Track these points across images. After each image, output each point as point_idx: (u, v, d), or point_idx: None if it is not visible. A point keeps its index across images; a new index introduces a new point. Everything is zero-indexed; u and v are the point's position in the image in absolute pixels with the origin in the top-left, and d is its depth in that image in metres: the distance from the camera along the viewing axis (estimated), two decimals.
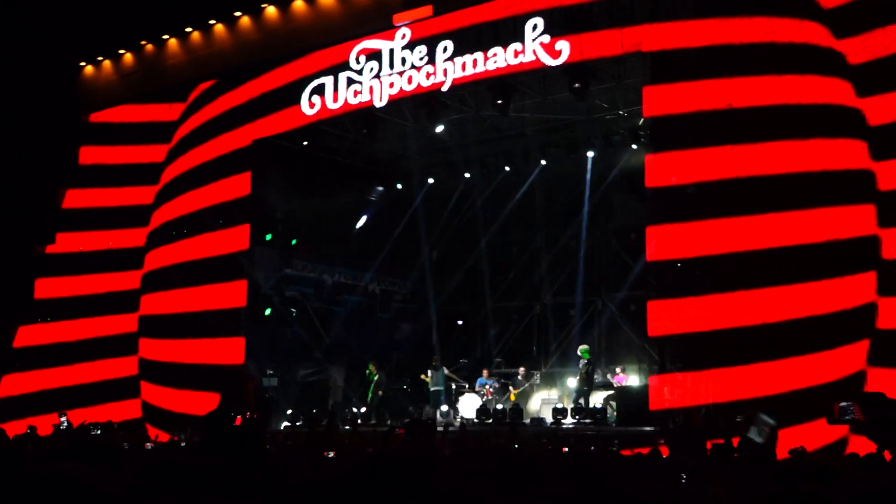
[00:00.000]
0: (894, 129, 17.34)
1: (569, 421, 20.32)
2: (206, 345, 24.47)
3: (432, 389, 23.94)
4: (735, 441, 10.81)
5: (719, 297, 17.83)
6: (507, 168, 26.30)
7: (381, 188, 27.60)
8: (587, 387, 21.76)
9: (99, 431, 16.92)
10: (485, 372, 24.32)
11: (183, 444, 17.40)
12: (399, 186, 28.08)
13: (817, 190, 17.49)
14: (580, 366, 21.95)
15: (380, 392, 24.50)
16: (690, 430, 13.46)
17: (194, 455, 6.78)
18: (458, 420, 22.27)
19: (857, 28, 18.01)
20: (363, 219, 27.70)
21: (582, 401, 21.38)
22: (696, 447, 12.05)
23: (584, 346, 22.09)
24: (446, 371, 24.51)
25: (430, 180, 27.67)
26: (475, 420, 22.01)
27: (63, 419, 21.93)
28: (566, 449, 13.06)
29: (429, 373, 24.23)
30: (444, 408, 23.39)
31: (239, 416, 6.26)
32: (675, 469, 5.05)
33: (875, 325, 17.00)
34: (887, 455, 9.65)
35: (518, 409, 21.91)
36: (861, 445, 9.99)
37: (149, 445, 15.47)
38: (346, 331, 26.65)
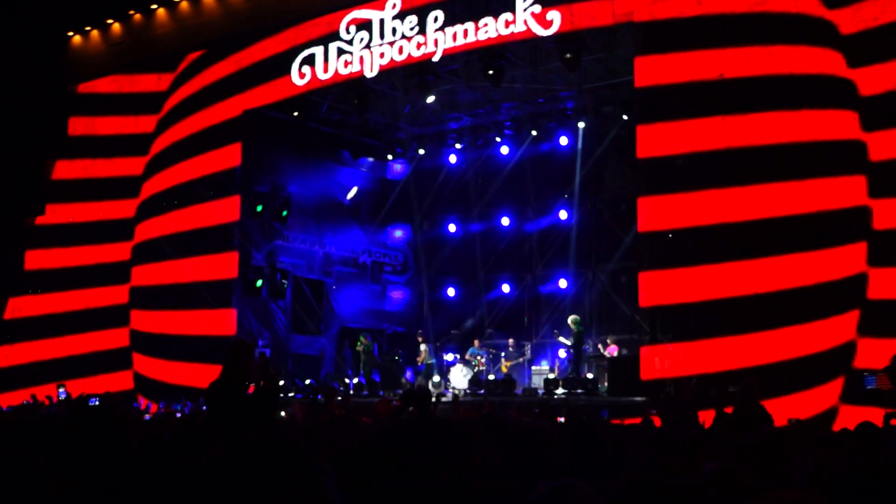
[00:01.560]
0: (885, 99, 17.08)
1: (561, 391, 20.29)
2: (198, 316, 24.50)
3: (427, 363, 24.08)
4: (729, 410, 10.72)
5: (710, 268, 17.79)
6: (498, 139, 26.32)
7: (370, 159, 27.54)
8: (577, 357, 21.82)
9: (97, 402, 16.94)
10: (476, 342, 24.40)
11: (178, 415, 17.39)
12: (390, 158, 28.13)
13: (808, 160, 17.38)
14: (570, 337, 22.01)
15: (371, 362, 24.63)
16: (682, 401, 13.39)
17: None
18: (451, 391, 22.20)
19: None
20: (354, 190, 27.63)
21: (572, 371, 21.42)
22: (688, 418, 11.99)
23: (574, 317, 22.08)
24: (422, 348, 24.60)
25: (421, 151, 27.63)
26: (467, 391, 22.02)
27: (62, 390, 22.05)
28: (562, 419, 13.37)
29: (422, 347, 24.33)
30: (436, 378, 23.55)
31: (252, 385, 6.22)
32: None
33: (865, 295, 16.91)
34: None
35: (510, 380, 21.90)
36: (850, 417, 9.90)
37: (147, 417, 15.44)
38: (338, 302, 26.82)
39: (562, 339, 22.61)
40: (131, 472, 3.41)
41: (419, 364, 24.37)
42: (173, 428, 8.82)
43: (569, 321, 22.10)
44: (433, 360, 24.11)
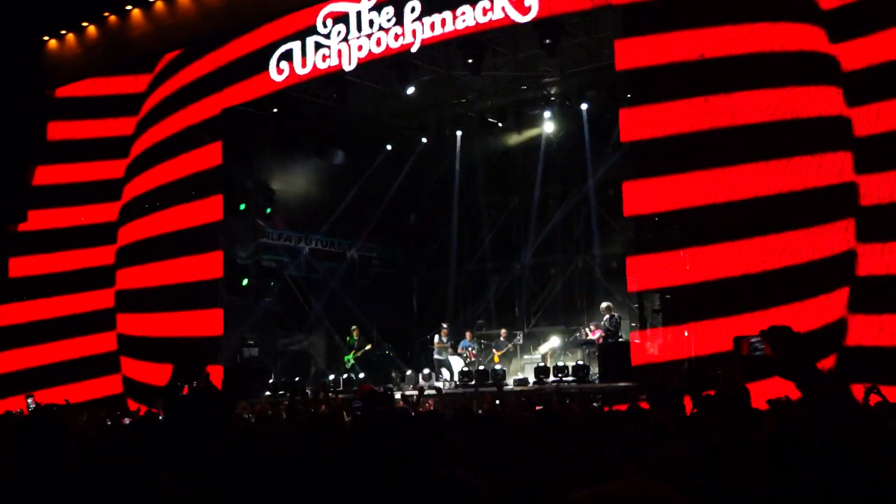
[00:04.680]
0: (868, 73, 17.00)
1: (551, 379, 20.28)
2: (185, 317, 24.26)
3: (436, 358, 23.84)
4: (711, 393, 10.78)
5: (698, 250, 17.73)
6: (483, 128, 26.08)
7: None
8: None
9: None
10: (467, 334, 24.16)
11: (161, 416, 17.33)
12: (373, 150, 27.79)
13: (793, 138, 17.29)
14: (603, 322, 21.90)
15: (362, 357, 24.47)
16: (666, 385, 13.55)
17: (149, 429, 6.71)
18: (441, 383, 22.15)
19: None
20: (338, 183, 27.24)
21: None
22: (674, 403, 12.26)
23: (606, 305, 22.15)
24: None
25: (407, 143, 27.43)
26: (457, 383, 21.91)
27: (30, 401, 21.65)
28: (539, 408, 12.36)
29: (435, 338, 24.06)
30: (426, 371, 23.16)
31: (186, 386, 6.09)
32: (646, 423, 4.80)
33: (855, 272, 16.89)
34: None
35: (501, 371, 21.78)
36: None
37: (127, 420, 15.19)
38: (326, 298, 26.53)
39: (590, 328, 22.55)
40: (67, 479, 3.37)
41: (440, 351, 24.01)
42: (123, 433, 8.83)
43: (602, 308, 22.15)
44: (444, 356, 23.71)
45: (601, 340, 21.55)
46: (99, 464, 2.36)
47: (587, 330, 22.99)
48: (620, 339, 21.19)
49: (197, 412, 5.33)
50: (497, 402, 15.53)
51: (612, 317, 21.44)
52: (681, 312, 17.87)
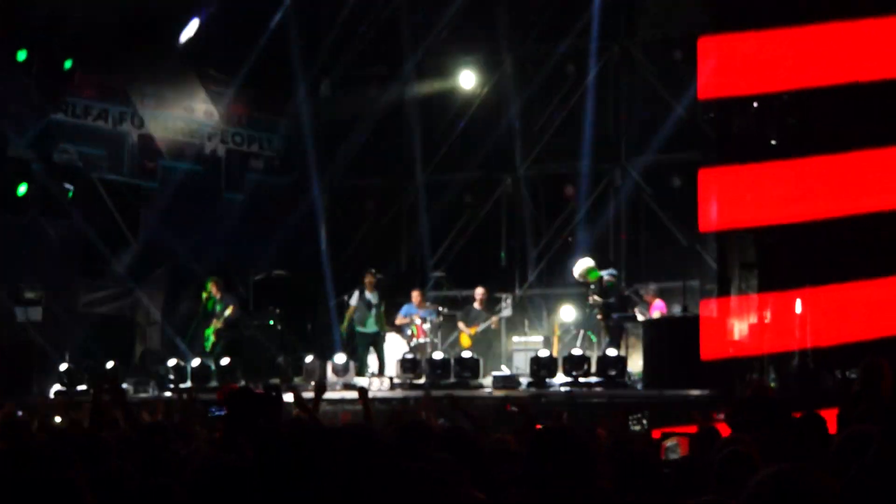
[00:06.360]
0: None
1: (559, 380, 16.30)
2: None
3: (359, 332, 18.93)
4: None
5: (822, 161, 14.55)
6: None
7: None
8: (610, 327, 17.22)
9: None
10: (414, 295, 18.70)
11: None
12: None
13: None
14: (589, 296, 17.53)
15: (227, 329, 19.11)
16: (766, 395, 9.67)
17: None
18: (368, 379, 17.23)
19: None
20: (194, 23, 20.83)
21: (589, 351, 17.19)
22: (780, 424, 8.22)
23: (585, 263, 17.41)
24: None
25: None
26: (395, 379, 17.15)
27: None
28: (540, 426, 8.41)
29: (355, 299, 18.83)
30: (341, 358, 17.40)
31: None
32: None
33: None
34: None
35: (473, 361, 16.94)
36: None
37: None
38: (167, 225, 20.94)
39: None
40: None
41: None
42: None
43: (576, 273, 17.44)
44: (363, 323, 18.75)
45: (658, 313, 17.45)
46: None
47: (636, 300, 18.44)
48: (656, 316, 17.44)
49: None
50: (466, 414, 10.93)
51: (599, 282, 17.47)
52: (791, 270, 15.11)
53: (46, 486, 3.25)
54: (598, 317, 17.59)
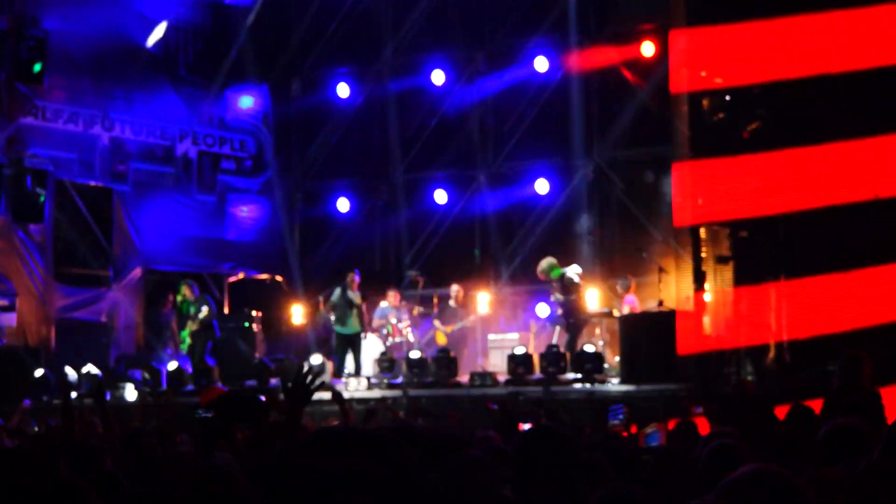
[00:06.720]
0: None
1: (538, 376, 16.44)
2: None
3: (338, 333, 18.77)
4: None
5: (795, 153, 14.77)
6: None
7: None
8: (571, 322, 17.38)
9: None
10: (390, 295, 18.92)
11: None
12: None
13: None
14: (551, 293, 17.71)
15: (202, 331, 19.33)
16: (745, 390, 10.62)
17: None
18: (344, 380, 17.32)
19: None
20: (161, 28, 21.20)
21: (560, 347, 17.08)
22: (761, 419, 8.67)
23: (548, 262, 17.54)
24: None
25: None
26: (371, 379, 17.38)
27: None
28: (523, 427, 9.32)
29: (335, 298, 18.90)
30: (317, 359, 17.57)
31: None
32: None
33: None
34: None
35: (450, 360, 17.24)
36: None
37: None
38: (139, 226, 21.40)
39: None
40: None
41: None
42: None
43: (538, 271, 17.53)
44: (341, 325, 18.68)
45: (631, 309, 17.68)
46: None
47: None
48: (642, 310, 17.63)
49: None
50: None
51: (561, 280, 17.39)
52: (769, 262, 15.39)
53: (55, 490, 3.26)
54: (559, 313, 17.59)
